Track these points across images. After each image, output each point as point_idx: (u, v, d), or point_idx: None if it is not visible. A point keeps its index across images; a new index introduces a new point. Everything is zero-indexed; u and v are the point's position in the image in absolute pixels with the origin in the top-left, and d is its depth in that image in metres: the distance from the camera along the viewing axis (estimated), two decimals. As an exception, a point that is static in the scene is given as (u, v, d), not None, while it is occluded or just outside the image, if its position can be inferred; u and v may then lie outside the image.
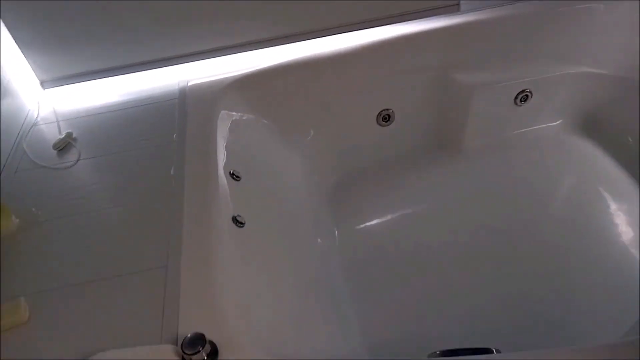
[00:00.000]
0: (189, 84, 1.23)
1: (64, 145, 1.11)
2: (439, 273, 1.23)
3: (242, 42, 1.26)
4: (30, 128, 1.20)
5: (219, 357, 0.69)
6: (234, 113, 1.18)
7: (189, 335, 0.67)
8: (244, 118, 1.20)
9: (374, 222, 1.38)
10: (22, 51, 1.19)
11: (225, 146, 1.08)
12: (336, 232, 1.31)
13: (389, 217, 1.39)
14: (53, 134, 1.16)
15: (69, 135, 1.13)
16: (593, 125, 1.49)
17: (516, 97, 1.45)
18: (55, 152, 1.10)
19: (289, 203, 1.19)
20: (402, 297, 1.18)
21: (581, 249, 1.24)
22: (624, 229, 1.28)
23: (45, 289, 0.82)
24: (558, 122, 1.53)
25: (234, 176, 1.02)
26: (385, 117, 1.45)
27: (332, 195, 1.40)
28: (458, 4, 1.32)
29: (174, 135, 1.09)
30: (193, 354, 0.66)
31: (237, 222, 0.93)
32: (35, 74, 1.23)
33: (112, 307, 0.78)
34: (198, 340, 0.67)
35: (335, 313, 1.06)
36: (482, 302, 1.15)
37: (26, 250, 0.90)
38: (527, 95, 1.45)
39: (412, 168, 1.49)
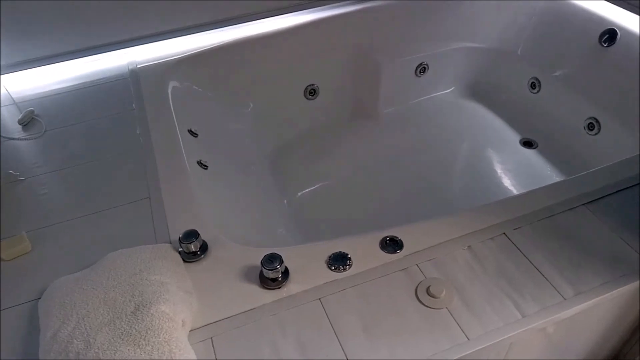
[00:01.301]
0: (138, 65, 1.38)
1: (28, 121, 1.21)
2: (368, 205, 1.48)
3: (184, 26, 1.44)
4: (-12, 112, 1.28)
5: (209, 251, 0.87)
6: (182, 85, 1.35)
7: (184, 231, 0.85)
8: (192, 90, 1.38)
9: (313, 184, 1.59)
10: (-24, 39, 1.27)
11: (179, 110, 1.24)
12: (285, 200, 1.52)
13: (324, 178, 1.61)
14: (14, 114, 1.26)
15: (30, 112, 1.23)
16: (478, 89, 1.84)
17: (416, 69, 1.75)
18: (20, 127, 1.20)
19: (240, 160, 1.38)
20: (333, 220, 1.43)
21: (470, 182, 1.55)
22: (504, 167, 1.61)
23: (42, 227, 0.94)
24: (451, 89, 1.86)
25: (192, 133, 1.20)
26: (311, 92, 1.68)
27: (273, 160, 1.60)
28: (362, -8, 1.60)
29: (133, 104, 1.24)
30: (189, 243, 0.83)
31: (202, 165, 1.11)
32: (-11, 61, 1.32)
33: (107, 231, 0.92)
34: (192, 234, 0.84)
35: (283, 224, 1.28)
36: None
37: (15, 202, 1.00)
38: (424, 68, 1.76)
39: (339, 135, 1.73)
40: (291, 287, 0.81)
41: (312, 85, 1.67)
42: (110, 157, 1.10)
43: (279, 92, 1.62)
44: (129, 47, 1.42)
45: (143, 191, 1.00)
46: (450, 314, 0.76)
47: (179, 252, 0.85)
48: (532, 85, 1.70)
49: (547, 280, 0.80)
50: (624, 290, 0.79)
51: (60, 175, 1.06)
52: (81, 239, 0.91)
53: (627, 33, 1.44)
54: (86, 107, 1.26)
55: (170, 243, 0.87)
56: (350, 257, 0.84)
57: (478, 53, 1.79)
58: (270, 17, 1.53)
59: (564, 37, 1.62)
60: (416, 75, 1.76)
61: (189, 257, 0.84)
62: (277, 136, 1.65)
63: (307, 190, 1.52)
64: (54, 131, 1.19)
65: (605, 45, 1.50)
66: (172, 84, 1.32)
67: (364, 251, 0.85)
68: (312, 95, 1.69)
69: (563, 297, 0.77)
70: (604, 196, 0.93)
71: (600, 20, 1.51)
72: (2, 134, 1.18)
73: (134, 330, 0.66)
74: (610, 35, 1.48)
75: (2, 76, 1.35)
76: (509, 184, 1.53)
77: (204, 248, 0.86)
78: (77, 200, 0.99)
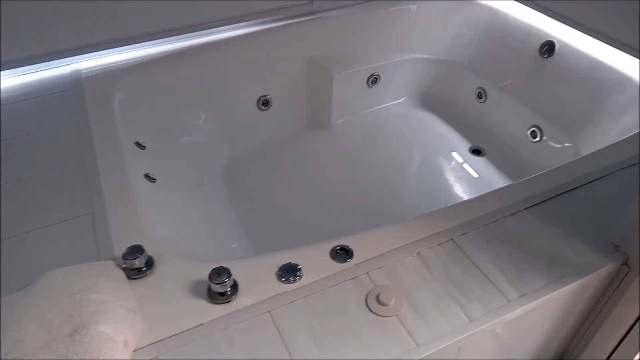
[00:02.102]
0: (83, 75, 1.34)
1: (-40, 135, 1.15)
2: (322, 215, 1.48)
3: (131, 36, 1.40)
4: None
5: (155, 266, 0.84)
6: (129, 96, 1.31)
7: (128, 246, 0.81)
8: (139, 101, 1.34)
9: (266, 195, 1.58)
10: None
11: (126, 122, 1.21)
12: (238, 213, 1.49)
13: (277, 189, 1.59)
14: (-55, 128, 1.18)
15: (-36, 126, 1.17)
16: (428, 99, 1.89)
17: (368, 80, 1.78)
18: (-49, 141, 1.14)
19: (191, 173, 1.35)
20: (288, 231, 1.42)
21: (422, 188, 1.58)
22: (455, 174, 1.65)
23: (-27, 247, 0.88)
24: (402, 99, 1.89)
25: (139, 145, 1.16)
26: (264, 102, 1.68)
27: (226, 173, 1.58)
28: (312, 3, 1.61)
29: (76, 116, 1.19)
30: (133, 259, 0.80)
31: (149, 178, 1.08)
32: None
33: (46, 249, 0.88)
34: (136, 249, 0.81)
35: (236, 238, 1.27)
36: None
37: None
38: (376, 78, 1.79)
39: (292, 146, 1.73)
40: (240, 301, 0.79)
41: (265, 96, 1.67)
42: (51, 171, 1.05)
43: (231, 103, 1.60)
44: (73, 56, 1.37)
45: (85, 206, 0.96)
46: (400, 321, 0.76)
47: (123, 269, 0.81)
48: (479, 95, 1.76)
49: (493, 284, 0.82)
50: (566, 291, 0.82)
51: (-4, 191, 1.00)
52: (17, 258, 0.86)
53: (565, 45, 1.52)
54: (25, 119, 1.20)
55: (114, 260, 0.84)
56: (300, 268, 0.83)
57: (427, 64, 1.84)
58: (222, 26, 1.51)
59: (507, 49, 1.69)
60: (368, 85, 1.79)
61: (133, 273, 0.81)
62: (229, 148, 1.63)
63: (260, 202, 1.51)
64: (-11, 145, 1.13)
65: (545, 56, 1.57)
66: (118, 94, 1.28)
67: (315, 261, 0.85)
68: (265, 106, 1.68)
69: (507, 299, 0.79)
70: (544, 200, 0.96)
71: (539, 33, 1.59)
72: None
73: (71, 354, 0.63)
74: (549, 47, 1.56)
75: None
76: (460, 191, 1.57)
77: (149, 264, 0.83)
78: (14, 217, 0.94)
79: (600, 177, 1.01)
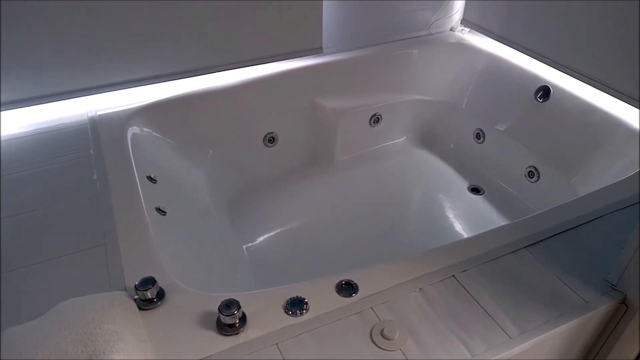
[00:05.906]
0: (98, 113, 1.39)
1: (-22, 166, 1.19)
2: (324, 250, 1.51)
3: (145, 76, 1.46)
4: None
5: (165, 298, 0.86)
6: (142, 132, 1.36)
7: (140, 278, 0.84)
8: (152, 136, 1.39)
9: (271, 229, 1.61)
10: None
11: (138, 157, 1.25)
12: (244, 246, 1.52)
13: (282, 223, 1.62)
14: (-37, 159, 1.22)
15: (-17, 157, 1.21)
16: (428, 139, 1.95)
17: (370, 120, 1.84)
18: (-31, 172, 1.17)
19: (199, 206, 1.39)
20: (291, 265, 1.45)
21: (424, 227, 1.62)
22: (454, 212, 1.69)
23: (-11, 275, 0.91)
24: (403, 138, 1.95)
25: (151, 179, 1.20)
26: (270, 139, 1.73)
27: (232, 207, 1.61)
28: (321, 48, 1.69)
29: (91, 150, 1.24)
30: (145, 290, 0.82)
31: (160, 211, 1.11)
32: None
33: (60, 279, 0.90)
34: (149, 281, 0.84)
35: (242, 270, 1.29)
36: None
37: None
38: (378, 118, 1.85)
39: (297, 181, 1.77)
40: (248, 333, 0.81)
41: (272, 133, 1.72)
42: (66, 202, 1.08)
43: (238, 140, 1.66)
44: (88, 95, 1.42)
45: (98, 237, 0.98)
46: (404, 355, 0.78)
47: (135, 300, 0.84)
48: (477, 136, 1.82)
49: (494, 320, 0.84)
50: (565, 328, 0.84)
51: (12, 221, 1.03)
52: (32, 287, 0.88)
53: (560, 89, 1.59)
54: (42, 153, 1.25)
55: (126, 290, 0.86)
56: (307, 302, 0.86)
57: (427, 105, 1.91)
58: (229, 69, 1.58)
59: (504, 93, 1.76)
60: (370, 125, 1.85)
61: (144, 304, 0.83)
62: (236, 182, 1.67)
63: (265, 235, 1.54)
64: (8, 176, 1.17)
65: (540, 100, 1.63)
66: (131, 130, 1.33)
67: (321, 295, 0.87)
68: (271, 143, 1.74)
69: (509, 336, 0.81)
70: (543, 239, 1.00)
71: (534, 77, 1.66)
72: (-50, 180, 1.15)
73: (85, 381, 0.64)
74: (544, 91, 1.63)
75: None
76: (460, 228, 1.60)
77: (160, 295, 0.86)
78: (29, 247, 0.97)
79: (598, 217, 1.05)
